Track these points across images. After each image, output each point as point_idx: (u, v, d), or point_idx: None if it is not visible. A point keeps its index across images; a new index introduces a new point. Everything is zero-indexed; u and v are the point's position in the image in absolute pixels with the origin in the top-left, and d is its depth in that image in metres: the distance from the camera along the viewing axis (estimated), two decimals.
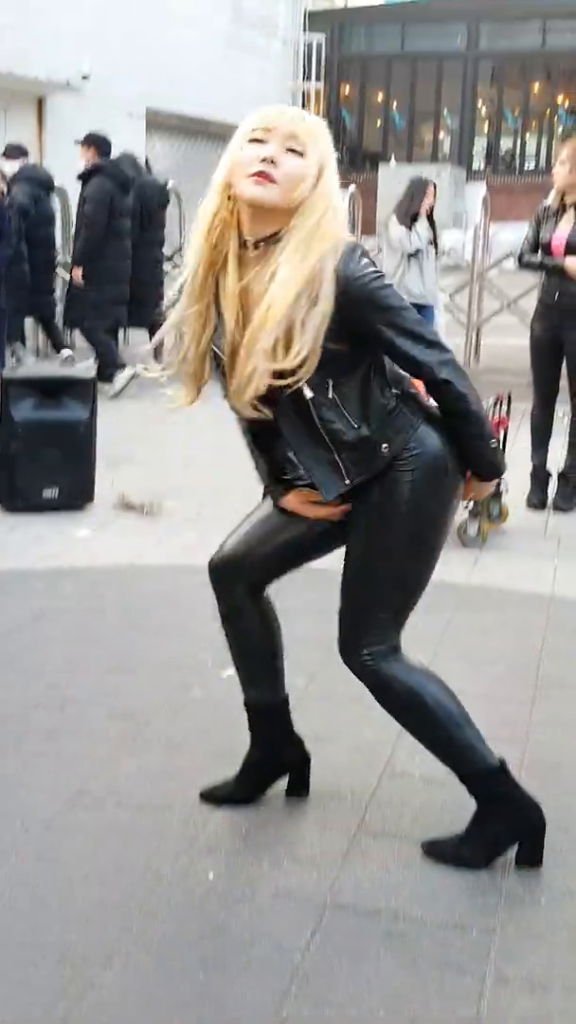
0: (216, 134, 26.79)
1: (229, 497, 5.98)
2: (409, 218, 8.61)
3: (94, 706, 3.49)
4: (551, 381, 6.00)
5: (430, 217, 8.75)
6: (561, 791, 3.04)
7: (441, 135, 33.31)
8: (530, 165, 32.49)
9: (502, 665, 3.92)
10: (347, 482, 2.52)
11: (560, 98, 32.33)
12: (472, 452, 2.55)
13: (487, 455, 2.57)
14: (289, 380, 2.38)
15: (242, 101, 28.66)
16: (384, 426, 2.49)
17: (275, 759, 2.96)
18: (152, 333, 9.39)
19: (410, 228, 8.58)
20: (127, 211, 9.12)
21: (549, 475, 6.12)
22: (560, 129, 32.41)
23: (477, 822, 2.70)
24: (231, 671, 3.68)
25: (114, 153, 9.39)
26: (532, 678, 3.81)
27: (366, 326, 2.38)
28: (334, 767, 3.13)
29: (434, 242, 8.77)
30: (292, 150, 2.36)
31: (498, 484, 5.49)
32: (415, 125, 32.93)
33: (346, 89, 33.08)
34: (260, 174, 2.33)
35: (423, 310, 8.73)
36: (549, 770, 3.16)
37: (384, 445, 2.49)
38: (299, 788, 2.99)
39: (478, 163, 32.42)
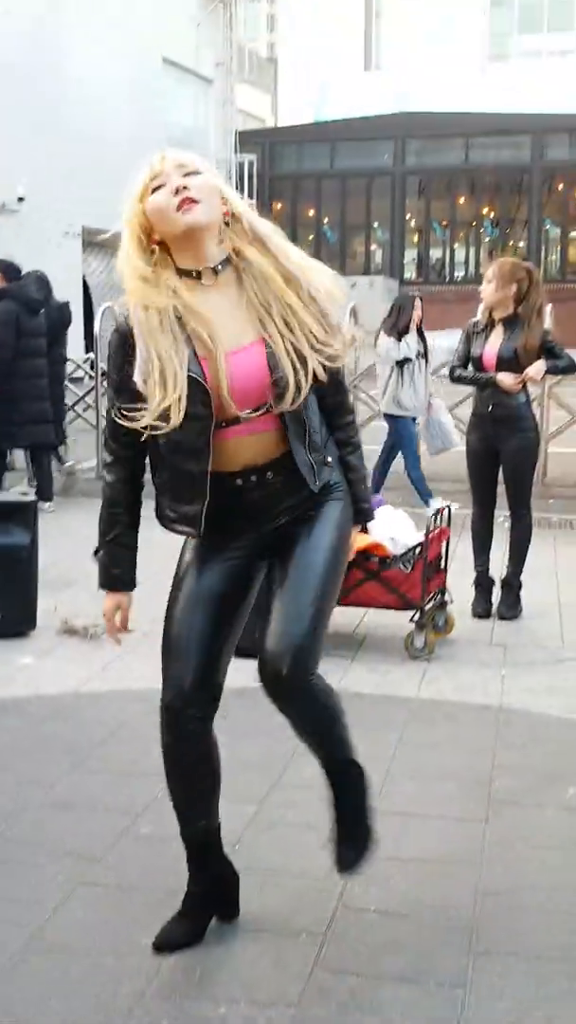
0: None
1: None
2: (398, 332, 8.77)
3: (41, 847, 3.40)
4: (489, 489, 6.10)
5: (419, 330, 8.92)
6: (521, 913, 2.99)
7: (373, 247, 34.29)
8: (459, 274, 33.46)
9: (454, 782, 3.88)
10: (317, 483, 2.69)
11: (485, 210, 33.46)
12: (357, 491, 2.80)
13: (367, 495, 2.85)
14: (337, 363, 2.64)
15: None
16: (327, 444, 2.75)
17: (217, 887, 2.92)
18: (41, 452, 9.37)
19: (399, 340, 8.75)
20: (38, 331, 9.12)
21: (492, 582, 6.16)
22: (487, 239, 33.49)
23: (354, 813, 2.85)
24: None
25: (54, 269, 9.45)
26: (485, 795, 3.78)
27: None
28: (288, 899, 3.07)
29: (424, 354, 8.92)
30: (188, 174, 2.55)
31: (443, 594, 5.54)
32: (347, 239, 33.86)
33: (278, 206, 33.94)
34: (182, 203, 2.51)
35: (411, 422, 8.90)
36: (507, 892, 3.11)
37: (328, 459, 2.73)
38: (232, 910, 2.96)
39: (410, 273, 33.31)
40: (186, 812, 2.84)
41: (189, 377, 2.52)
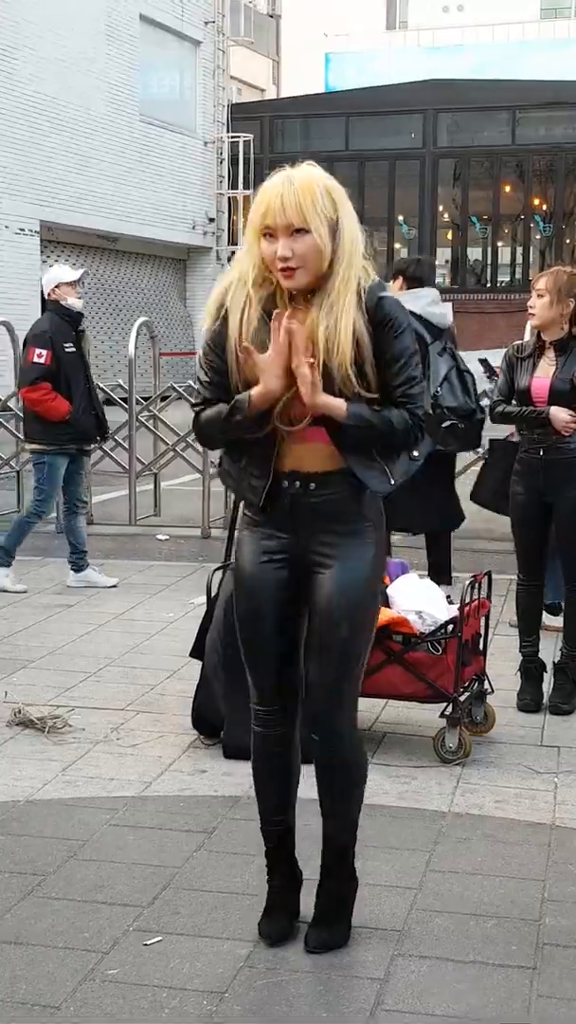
0: (124, 251, 27.61)
1: (151, 709, 6.02)
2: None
3: None
4: (539, 553, 6.15)
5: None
6: None
7: (397, 246, 34.55)
8: (504, 279, 33.71)
9: (495, 919, 3.91)
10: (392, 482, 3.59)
11: (536, 201, 33.71)
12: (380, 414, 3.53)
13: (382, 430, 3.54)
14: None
15: (158, 213, 29.55)
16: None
17: (294, 883, 3.84)
18: None
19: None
20: None
21: (543, 668, 6.21)
22: (538, 237, 33.72)
23: (341, 899, 3.78)
24: (157, 938, 3.68)
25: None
26: (533, 936, 3.80)
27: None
28: None
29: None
30: (298, 231, 3.37)
31: (481, 682, 5.59)
32: (365, 235, 34.12)
33: None
34: (283, 271, 3.40)
35: None
36: None
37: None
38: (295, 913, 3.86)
39: (442, 278, 33.56)
40: (271, 809, 3.77)
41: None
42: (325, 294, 3.45)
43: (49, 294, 8.69)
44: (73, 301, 8.63)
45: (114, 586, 8.70)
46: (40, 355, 8.44)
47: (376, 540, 3.64)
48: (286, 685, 3.67)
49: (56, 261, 25.31)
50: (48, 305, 8.84)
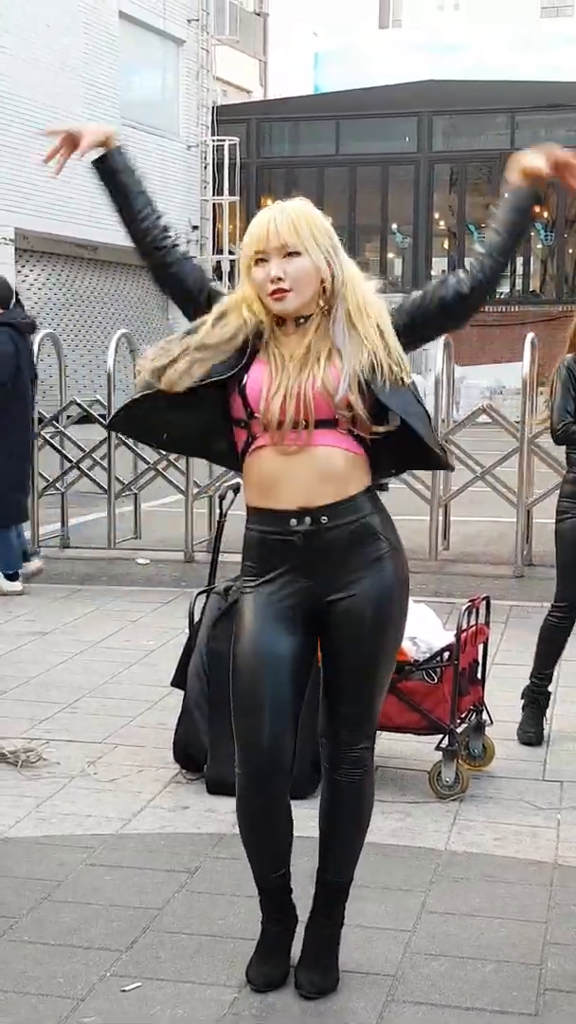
0: (104, 260, 27.65)
1: (130, 742, 6.00)
2: None
3: None
4: None
5: None
6: None
7: (390, 255, 34.69)
8: (503, 291, 33.78)
9: (493, 964, 3.91)
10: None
11: (537, 208, 33.74)
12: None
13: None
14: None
15: None
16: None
17: (289, 924, 3.83)
18: None
19: None
20: None
21: (549, 699, 6.21)
22: (539, 246, 33.85)
23: (333, 940, 3.81)
24: (136, 983, 3.68)
25: None
26: (534, 982, 3.80)
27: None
28: None
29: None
30: (289, 254, 3.48)
31: (480, 713, 5.59)
32: (357, 244, 34.19)
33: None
34: (274, 292, 3.49)
35: None
36: None
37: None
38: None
39: None
40: (268, 863, 3.74)
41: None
42: (331, 316, 3.54)
43: None
44: None
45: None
46: None
47: (397, 562, 3.68)
48: (288, 736, 3.63)
49: (31, 273, 25.38)
50: None
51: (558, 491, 6.31)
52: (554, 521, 6.13)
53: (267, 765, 3.58)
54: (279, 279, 3.48)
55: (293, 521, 3.54)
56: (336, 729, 3.70)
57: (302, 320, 3.57)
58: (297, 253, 3.48)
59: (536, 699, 6.19)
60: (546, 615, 6.21)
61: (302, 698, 3.66)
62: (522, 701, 6.19)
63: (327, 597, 3.62)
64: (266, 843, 3.73)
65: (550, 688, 6.21)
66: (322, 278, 3.53)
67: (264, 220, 3.52)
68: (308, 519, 3.54)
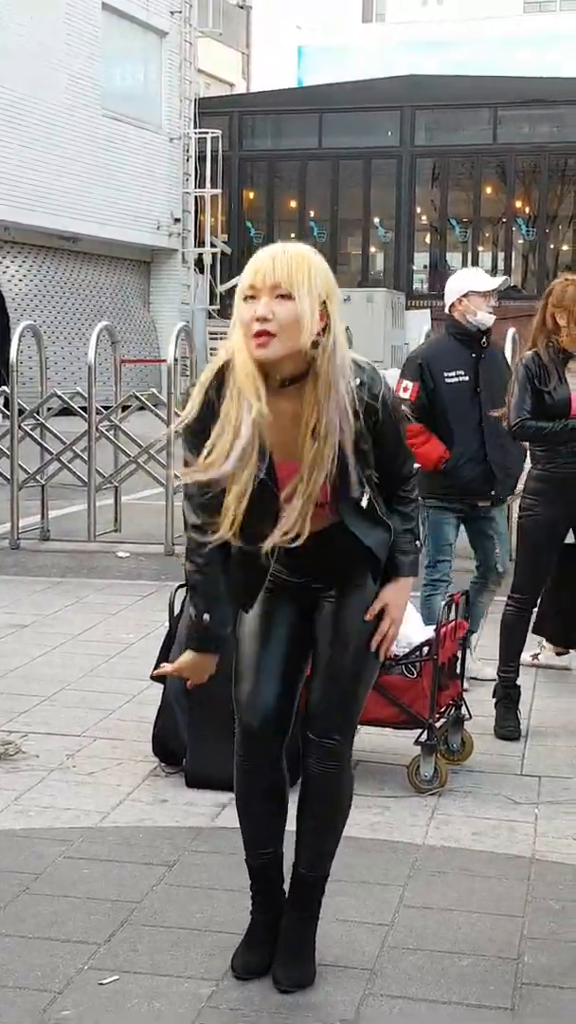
0: (85, 252, 27.61)
1: (109, 735, 6.00)
2: None
3: None
4: (546, 577, 6.23)
5: None
6: None
7: (372, 250, 34.67)
8: None
9: (471, 958, 3.92)
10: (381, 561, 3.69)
11: (518, 203, 33.88)
12: (405, 545, 3.73)
13: (416, 549, 3.79)
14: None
15: (121, 213, 29.66)
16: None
17: (279, 914, 3.83)
18: None
19: None
20: None
21: (520, 693, 6.22)
22: (520, 242, 33.86)
23: (309, 934, 3.81)
24: (113, 977, 3.68)
25: None
26: (511, 975, 3.81)
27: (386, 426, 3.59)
28: None
29: None
30: (281, 296, 3.32)
31: (459, 707, 5.61)
32: (339, 239, 34.26)
33: (250, 196, 34.34)
34: (258, 335, 3.32)
35: None
36: None
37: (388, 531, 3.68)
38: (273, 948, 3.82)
39: (419, 284, 33.67)
40: (261, 840, 3.79)
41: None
42: (315, 377, 3.41)
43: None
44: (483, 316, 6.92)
45: None
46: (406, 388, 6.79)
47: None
48: (286, 699, 3.73)
49: (12, 265, 25.26)
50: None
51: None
52: (517, 517, 6.21)
53: (265, 722, 3.66)
54: (264, 319, 3.33)
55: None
56: (310, 716, 3.73)
57: (287, 382, 3.44)
58: (289, 296, 3.33)
59: (508, 693, 6.20)
60: (504, 605, 6.28)
61: (302, 675, 3.76)
62: (494, 699, 6.21)
63: (312, 591, 3.72)
64: (259, 804, 3.78)
65: (519, 681, 6.23)
66: (314, 330, 3.36)
67: (263, 256, 3.40)
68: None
